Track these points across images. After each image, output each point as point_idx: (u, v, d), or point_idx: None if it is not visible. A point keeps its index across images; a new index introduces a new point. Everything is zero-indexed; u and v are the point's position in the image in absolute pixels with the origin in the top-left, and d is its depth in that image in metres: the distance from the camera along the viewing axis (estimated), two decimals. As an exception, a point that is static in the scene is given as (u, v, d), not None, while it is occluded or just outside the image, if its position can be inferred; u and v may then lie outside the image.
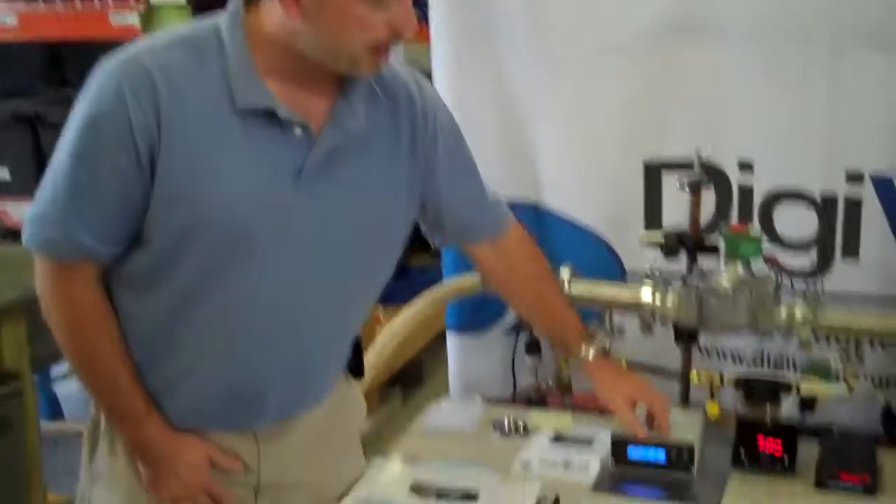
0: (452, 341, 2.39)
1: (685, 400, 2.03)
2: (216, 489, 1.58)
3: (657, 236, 1.99)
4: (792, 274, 2.04)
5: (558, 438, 1.99)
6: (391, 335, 2.14)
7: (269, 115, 1.43)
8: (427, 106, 1.61)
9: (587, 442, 1.97)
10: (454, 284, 2.17)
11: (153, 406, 1.54)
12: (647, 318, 1.94)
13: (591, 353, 1.83)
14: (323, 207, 1.48)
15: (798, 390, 1.85)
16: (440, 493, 1.77)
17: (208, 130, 1.41)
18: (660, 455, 1.83)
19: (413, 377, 4.11)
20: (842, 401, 1.85)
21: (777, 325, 1.86)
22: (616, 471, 1.85)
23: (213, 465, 1.58)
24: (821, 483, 1.78)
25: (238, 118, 1.42)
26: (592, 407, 2.24)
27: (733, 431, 1.85)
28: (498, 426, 2.05)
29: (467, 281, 2.15)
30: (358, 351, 1.76)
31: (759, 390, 1.87)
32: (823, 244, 2.04)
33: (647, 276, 1.95)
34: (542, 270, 1.84)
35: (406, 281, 1.78)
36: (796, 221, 2.06)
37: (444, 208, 1.70)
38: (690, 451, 1.81)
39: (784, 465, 1.81)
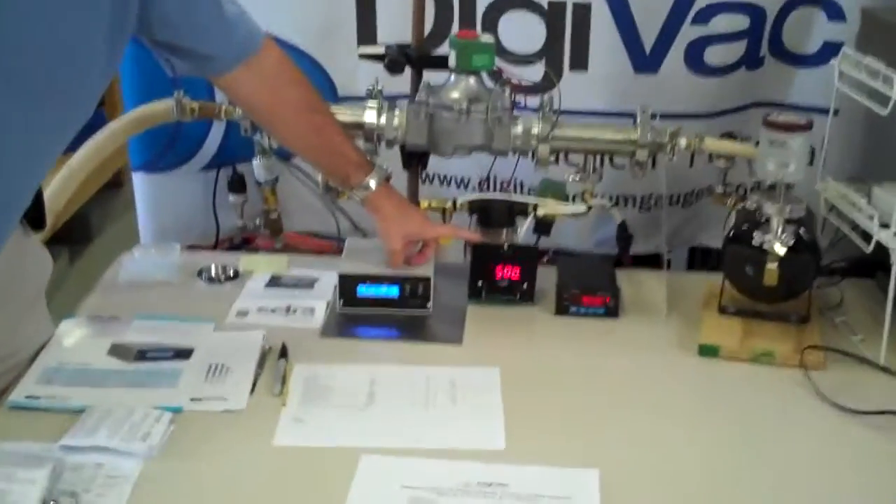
0: (140, 182, 2.12)
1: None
2: None
3: (378, 49, 1.81)
4: (521, 90, 1.93)
5: (275, 282, 1.82)
6: (70, 176, 1.85)
7: None
8: None
9: (309, 284, 1.80)
10: (139, 113, 1.90)
11: None
12: (372, 141, 1.77)
13: (374, 182, 1.65)
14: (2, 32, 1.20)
15: (535, 212, 1.76)
16: (148, 354, 1.55)
17: None
18: (393, 291, 1.70)
19: (80, 234, 3.78)
20: (578, 220, 1.78)
21: (514, 144, 1.76)
22: (346, 312, 1.71)
23: None
24: (562, 309, 1.72)
25: None
26: (308, 247, 2.08)
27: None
28: (204, 273, 1.84)
29: (156, 108, 1.88)
30: (39, 200, 1.50)
31: (496, 214, 1.77)
32: (552, 56, 1.95)
33: (370, 96, 1.77)
34: (311, 96, 1.63)
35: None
36: (523, 32, 1.94)
37: (180, 39, 1.45)
38: (426, 284, 1.70)
39: (523, 293, 1.74)
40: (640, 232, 1.94)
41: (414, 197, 1.87)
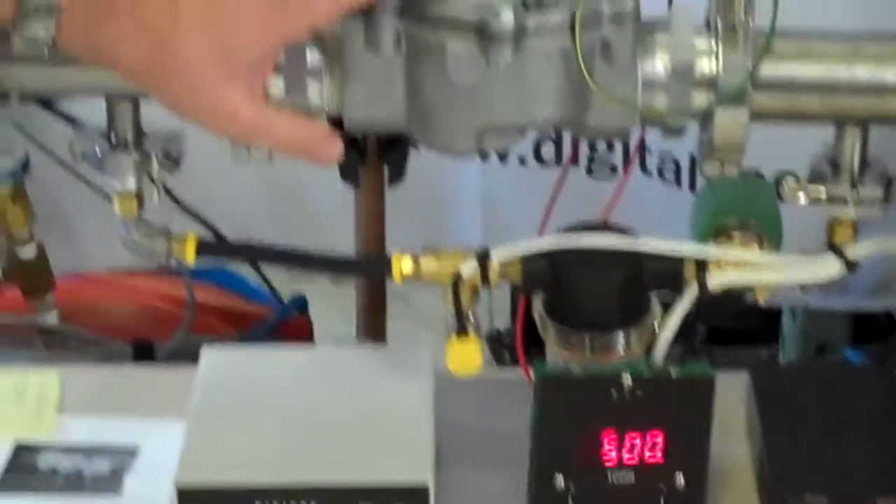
0: None
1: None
2: None
3: None
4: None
5: (17, 475, 0.73)
6: None
7: None
8: None
9: (109, 481, 0.73)
10: None
11: None
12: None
13: None
14: None
15: (702, 278, 0.67)
16: None
17: None
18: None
19: None
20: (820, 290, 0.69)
21: (648, 104, 0.64)
22: None
23: None
24: None
25: None
26: (136, 325, 1.00)
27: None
28: None
29: None
30: None
31: (589, 289, 0.68)
32: None
33: None
34: None
35: None
36: None
37: None
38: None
39: None
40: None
41: (377, 239, 0.74)
